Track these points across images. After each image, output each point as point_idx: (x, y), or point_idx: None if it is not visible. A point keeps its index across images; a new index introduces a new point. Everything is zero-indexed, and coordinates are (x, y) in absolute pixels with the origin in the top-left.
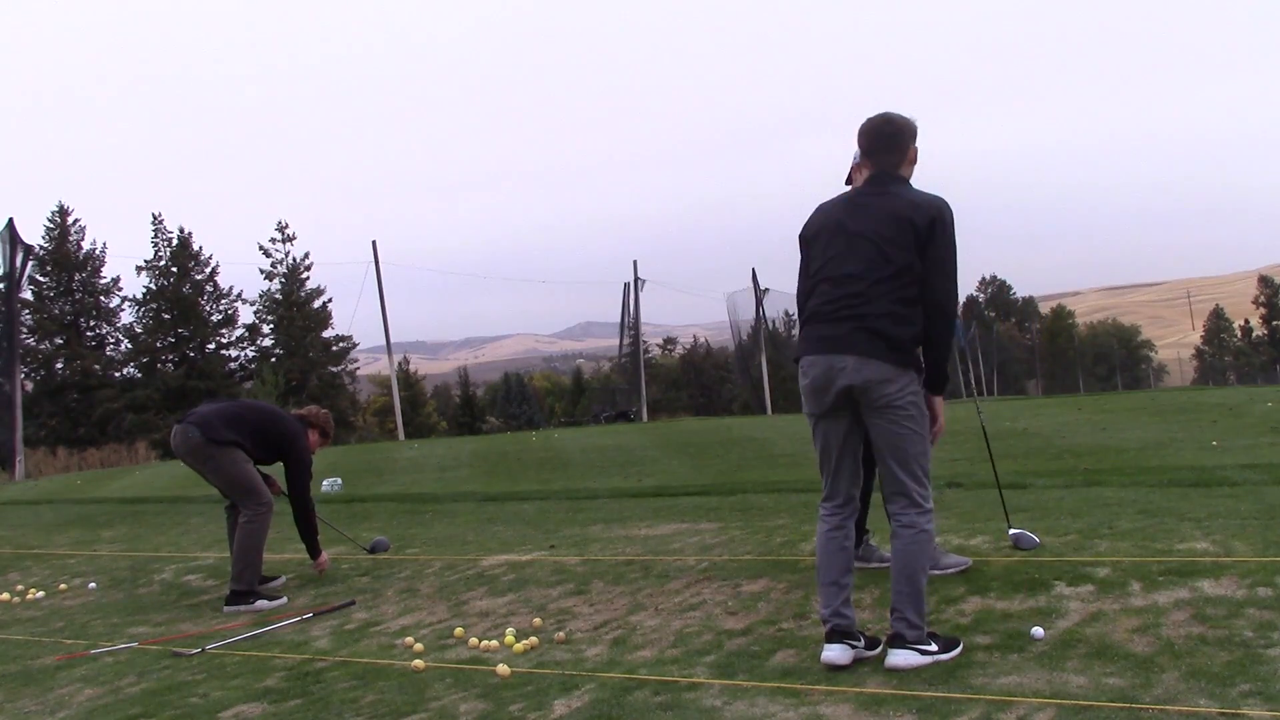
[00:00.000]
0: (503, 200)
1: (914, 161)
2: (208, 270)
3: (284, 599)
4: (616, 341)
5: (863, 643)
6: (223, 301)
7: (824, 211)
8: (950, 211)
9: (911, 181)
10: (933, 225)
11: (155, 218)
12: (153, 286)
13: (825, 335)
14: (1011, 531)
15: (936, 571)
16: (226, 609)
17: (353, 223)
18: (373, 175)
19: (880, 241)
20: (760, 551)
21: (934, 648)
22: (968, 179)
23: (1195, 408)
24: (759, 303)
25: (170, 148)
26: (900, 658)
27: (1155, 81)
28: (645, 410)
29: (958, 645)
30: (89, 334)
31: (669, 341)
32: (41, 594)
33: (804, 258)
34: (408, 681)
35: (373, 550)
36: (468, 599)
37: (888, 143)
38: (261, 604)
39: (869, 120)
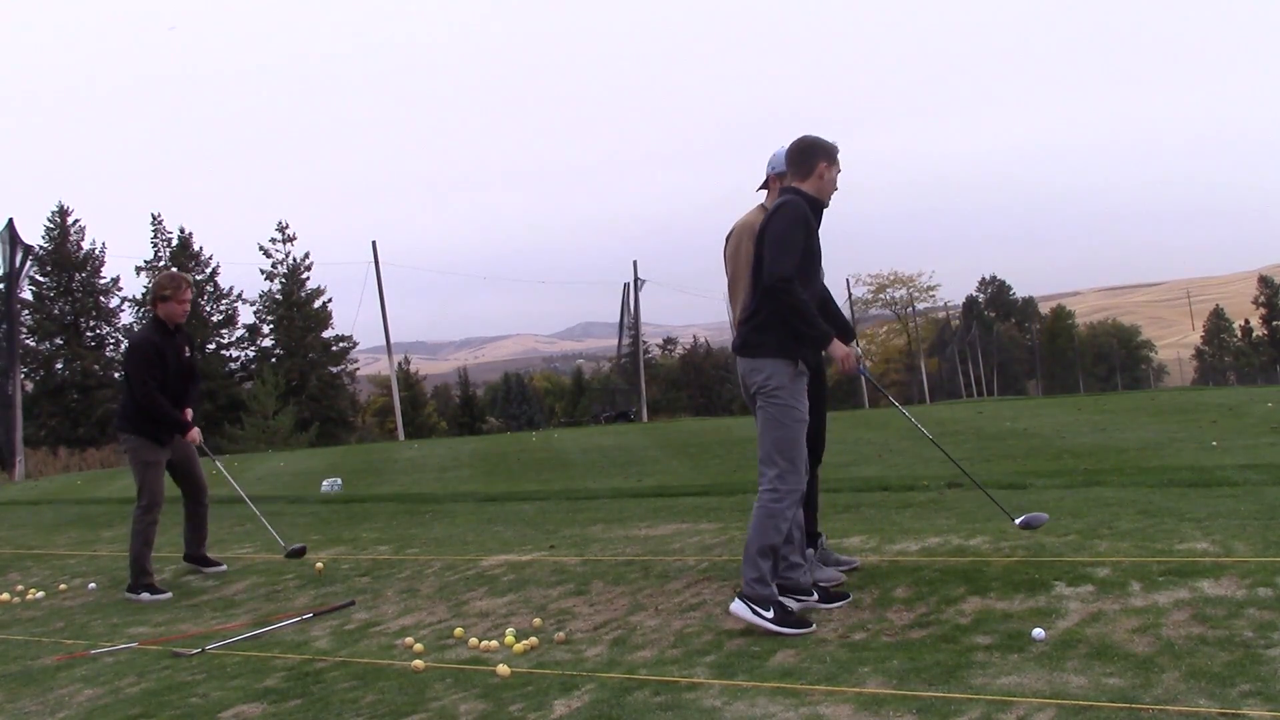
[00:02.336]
0: (503, 200)
1: (822, 177)
2: (208, 270)
3: (168, 594)
4: (616, 341)
5: (815, 597)
6: (223, 302)
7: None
8: (782, 206)
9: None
10: (771, 216)
11: (155, 218)
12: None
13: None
14: (1018, 520)
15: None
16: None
17: (353, 223)
18: (373, 175)
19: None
20: None
21: (769, 614)
22: (968, 179)
23: (1195, 408)
24: None
25: (170, 148)
26: (734, 605)
27: (1155, 81)
28: (645, 410)
29: (804, 626)
30: (89, 334)
31: (669, 341)
32: (41, 594)
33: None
34: (408, 681)
35: (290, 555)
36: (468, 599)
37: (797, 158)
38: (145, 596)
39: (796, 139)
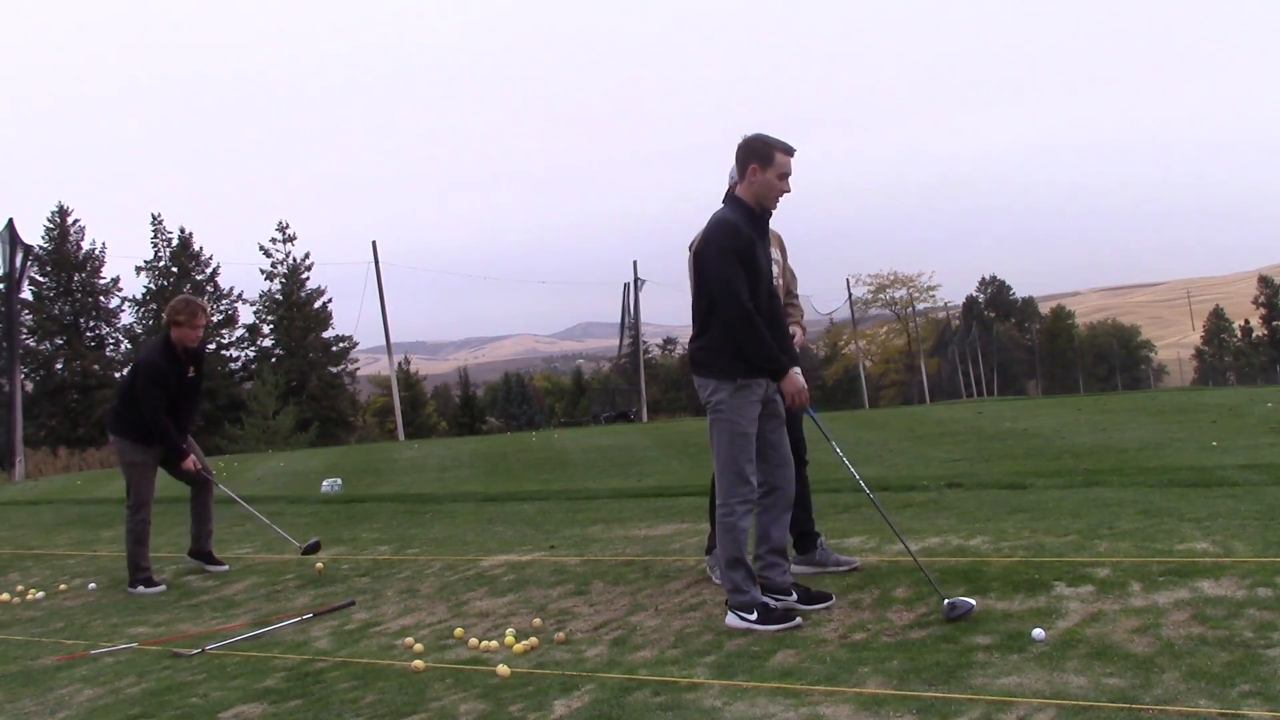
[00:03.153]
0: (503, 200)
1: (752, 183)
2: (208, 270)
3: (162, 587)
4: (616, 341)
5: (794, 597)
6: (223, 302)
7: None
8: (708, 231)
9: (741, 192)
10: (701, 241)
11: (155, 218)
12: (152, 287)
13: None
14: (946, 602)
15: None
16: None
17: (353, 223)
18: (373, 175)
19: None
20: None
21: (753, 616)
22: (968, 179)
23: (1195, 408)
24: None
25: (170, 148)
26: (728, 618)
27: (1155, 81)
28: (645, 410)
29: (788, 621)
30: (89, 334)
31: (669, 341)
32: (41, 594)
33: None
34: (408, 682)
35: (307, 551)
36: (468, 599)
37: (736, 158)
38: (140, 590)
39: None
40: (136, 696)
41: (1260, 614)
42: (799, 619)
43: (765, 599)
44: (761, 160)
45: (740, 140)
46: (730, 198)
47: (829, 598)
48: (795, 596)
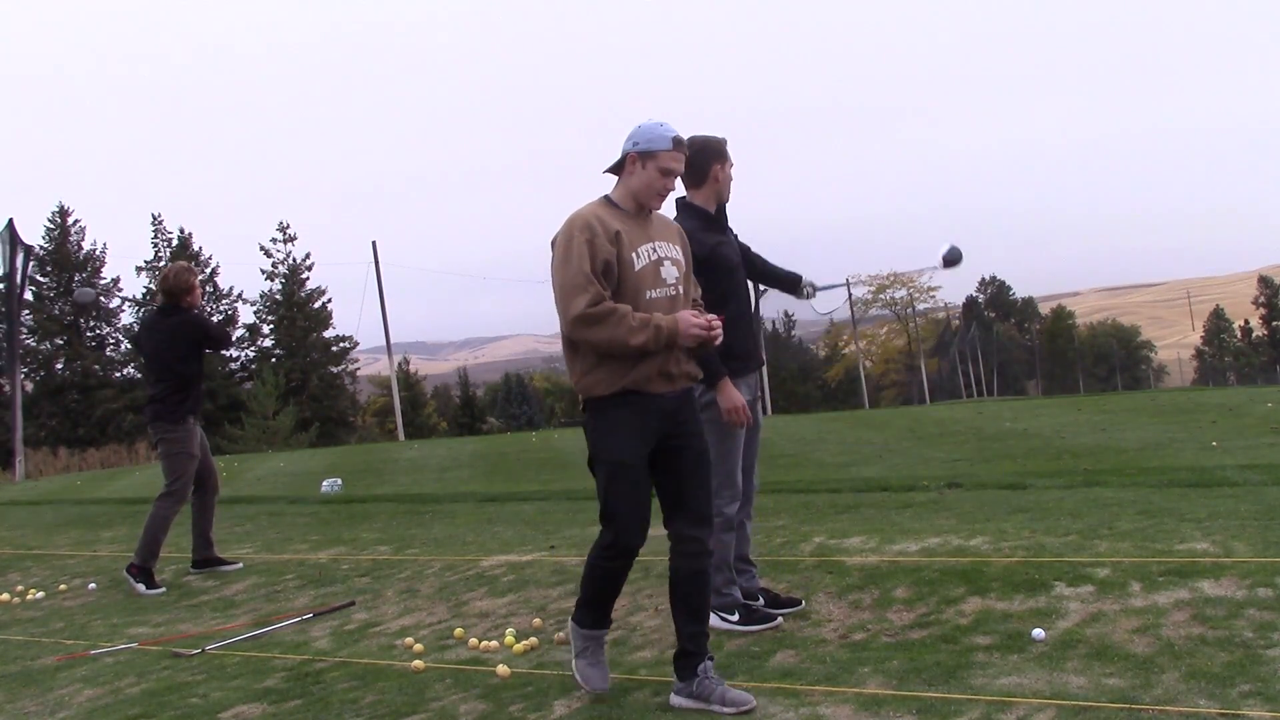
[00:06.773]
0: (502, 200)
1: (717, 180)
2: (208, 270)
3: (162, 589)
4: None
5: (761, 601)
6: (223, 302)
7: None
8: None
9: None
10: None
11: (155, 218)
12: (152, 287)
13: None
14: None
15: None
16: (126, 572)
17: (353, 223)
18: (373, 175)
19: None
20: (760, 552)
21: (734, 617)
22: (967, 178)
23: (1195, 408)
24: (756, 303)
25: (170, 148)
26: (711, 620)
27: (1154, 81)
28: None
29: (768, 621)
30: (89, 334)
31: None
32: (41, 594)
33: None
34: (408, 682)
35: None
36: (468, 599)
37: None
38: (140, 588)
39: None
40: (136, 696)
41: (1260, 614)
42: (779, 618)
43: (746, 601)
44: (720, 159)
45: (696, 139)
46: (688, 206)
47: (798, 603)
48: (762, 601)
